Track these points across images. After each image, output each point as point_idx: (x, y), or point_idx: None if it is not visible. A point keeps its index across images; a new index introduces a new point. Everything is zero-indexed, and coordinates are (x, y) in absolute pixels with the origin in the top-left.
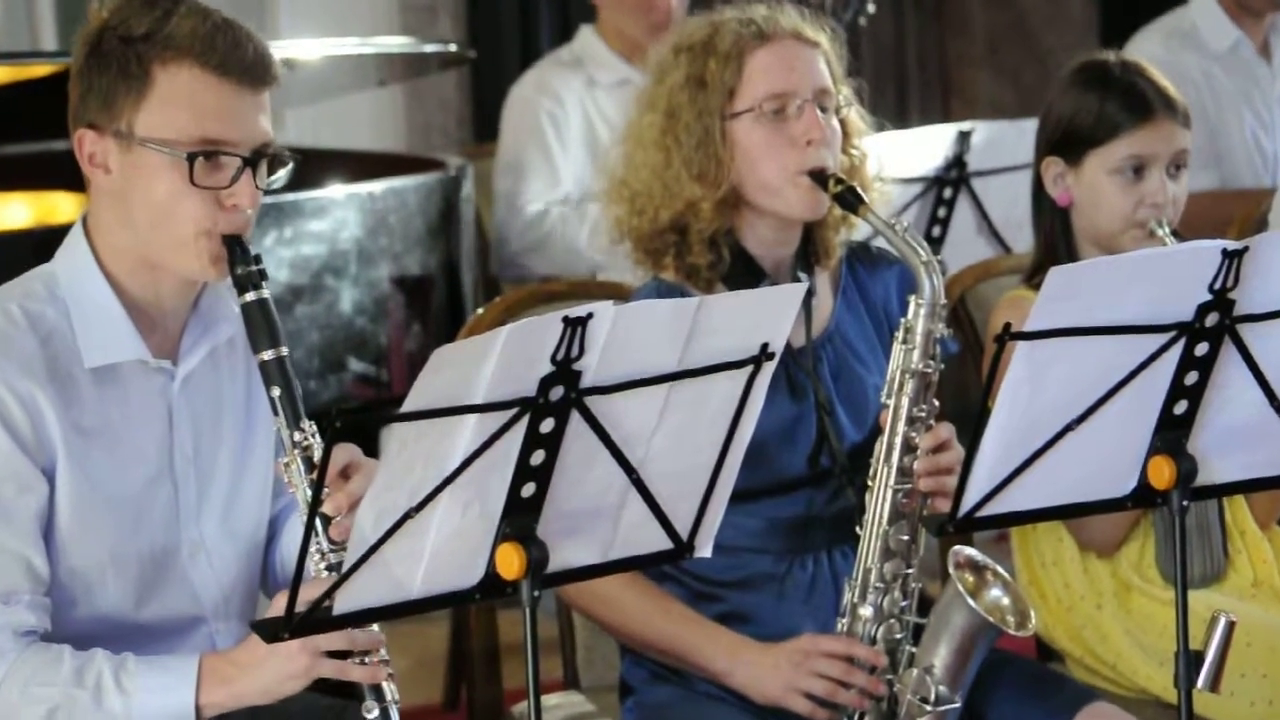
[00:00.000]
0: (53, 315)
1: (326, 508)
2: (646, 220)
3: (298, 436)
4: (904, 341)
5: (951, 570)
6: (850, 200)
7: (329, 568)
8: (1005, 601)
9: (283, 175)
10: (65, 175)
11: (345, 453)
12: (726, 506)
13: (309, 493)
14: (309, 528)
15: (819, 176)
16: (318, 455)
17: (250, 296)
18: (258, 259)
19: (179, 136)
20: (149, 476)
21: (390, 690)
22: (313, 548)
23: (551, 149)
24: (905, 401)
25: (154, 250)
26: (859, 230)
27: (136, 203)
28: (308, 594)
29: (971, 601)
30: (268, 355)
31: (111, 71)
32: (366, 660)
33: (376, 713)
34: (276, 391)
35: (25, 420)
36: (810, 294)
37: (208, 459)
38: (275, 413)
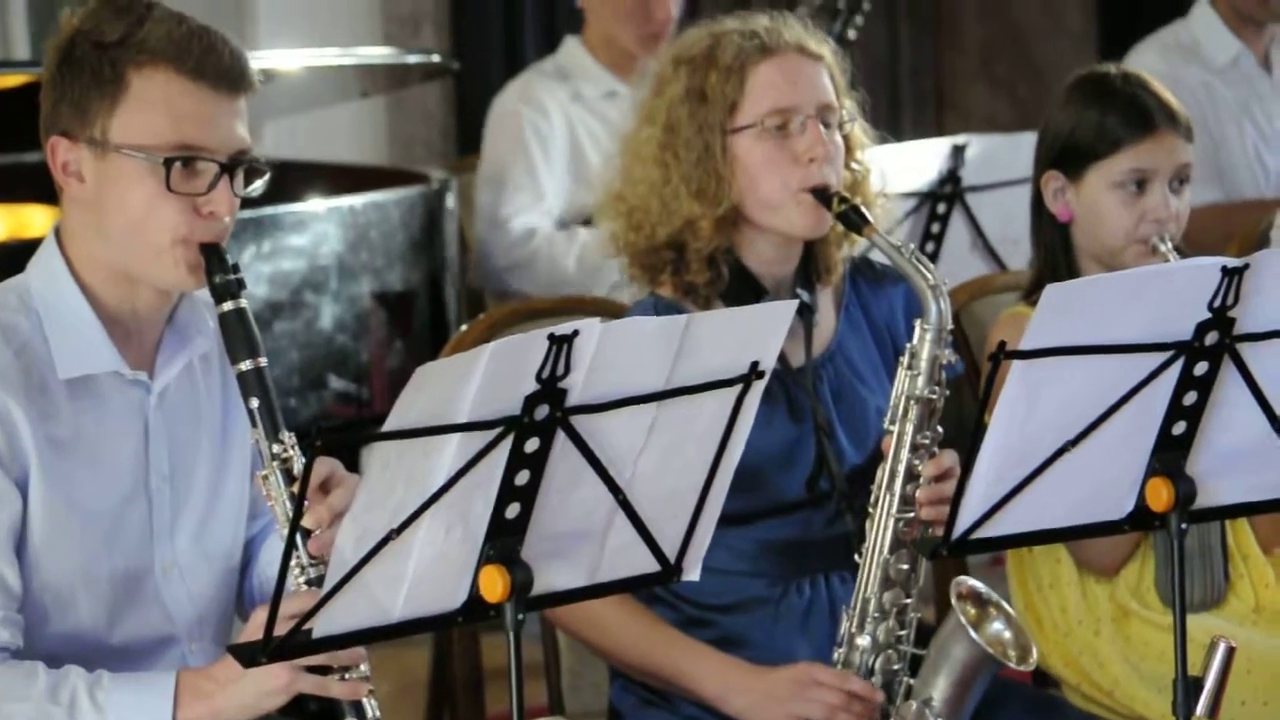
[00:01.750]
0: (26, 327)
1: (307, 521)
2: (643, 237)
3: (276, 449)
4: (909, 367)
5: (954, 601)
6: (854, 220)
7: (308, 582)
8: (1007, 635)
9: (259, 185)
10: (38, 188)
11: (325, 466)
12: (720, 529)
13: (288, 506)
14: (289, 542)
15: (822, 194)
16: (297, 468)
17: (228, 306)
18: (236, 268)
19: (155, 142)
20: (123, 493)
21: (371, 707)
22: (292, 561)
23: (535, 162)
24: (909, 428)
25: (129, 260)
26: (860, 243)
27: (111, 211)
28: (287, 612)
29: (974, 634)
30: (246, 366)
31: (85, 78)
32: (347, 676)
33: None
34: (255, 403)
35: None
36: (811, 312)
37: (183, 477)
38: (254, 424)
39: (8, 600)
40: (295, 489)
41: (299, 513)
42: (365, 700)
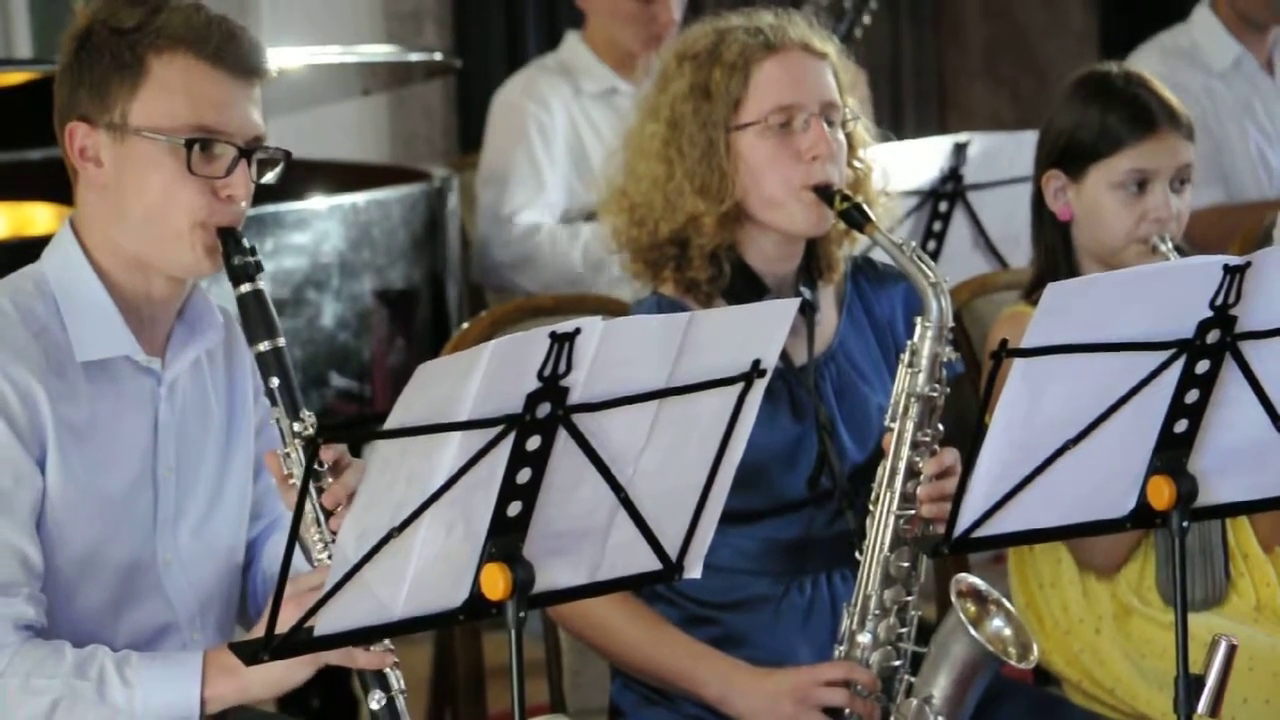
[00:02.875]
0: (43, 312)
1: (325, 500)
2: (646, 233)
3: (297, 427)
4: (910, 364)
5: (954, 599)
6: (857, 218)
7: (332, 557)
8: (1007, 632)
9: (272, 175)
10: (41, 186)
11: (333, 451)
12: (723, 527)
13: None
14: (296, 520)
15: (824, 192)
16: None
17: (246, 288)
18: (253, 250)
19: (174, 125)
20: (131, 481)
21: (396, 677)
22: (316, 537)
23: (538, 157)
24: (910, 426)
25: (147, 244)
26: (861, 241)
27: (130, 195)
28: (303, 587)
29: (974, 631)
30: (264, 346)
31: (104, 62)
32: (371, 647)
33: (384, 701)
34: (275, 382)
35: (21, 409)
36: (813, 310)
37: (189, 470)
38: (274, 403)
39: (32, 578)
40: (302, 475)
41: (303, 498)
42: (389, 671)
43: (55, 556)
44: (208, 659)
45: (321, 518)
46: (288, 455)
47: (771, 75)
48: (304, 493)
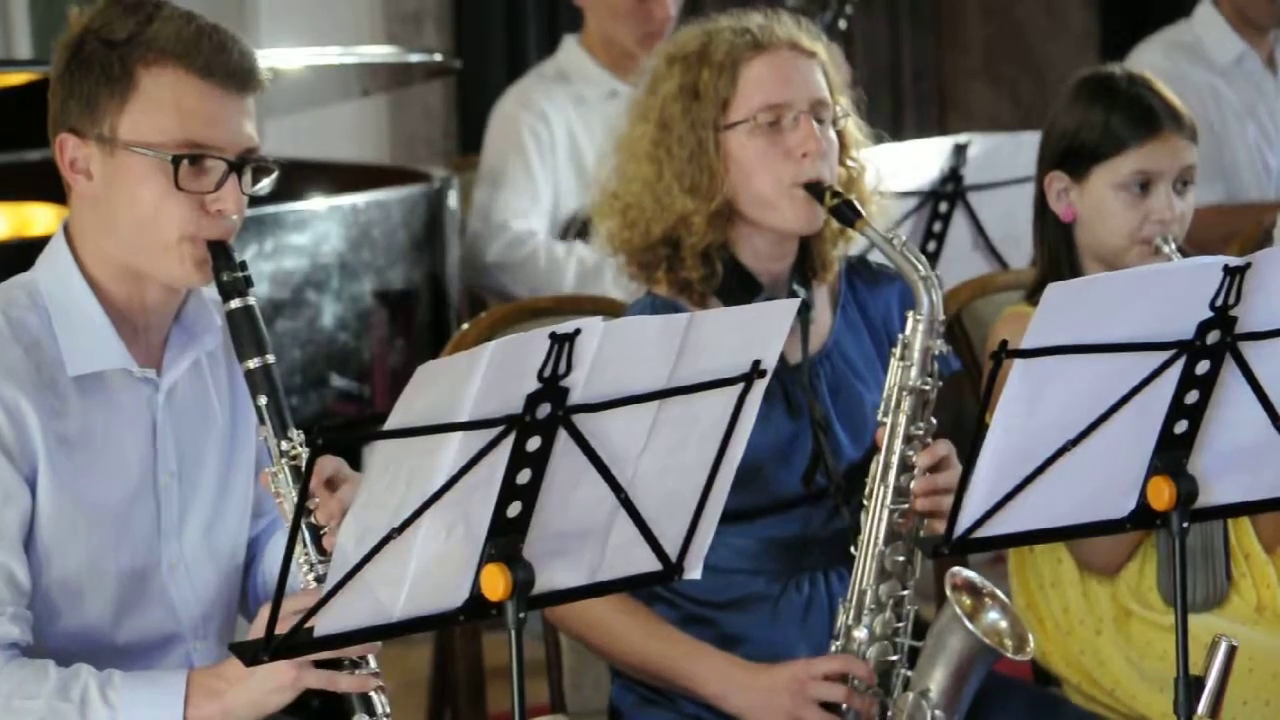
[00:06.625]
0: (35, 323)
1: (318, 517)
2: (638, 234)
3: (285, 446)
4: (902, 358)
5: (949, 592)
6: (847, 214)
7: (318, 579)
8: (1003, 625)
9: (267, 184)
10: (41, 186)
11: (331, 463)
12: (720, 526)
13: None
14: (292, 538)
15: (815, 189)
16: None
17: (236, 304)
18: (243, 265)
19: (163, 140)
20: (131, 490)
21: (381, 702)
22: (301, 559)
23: (533, 166)
24: (902, 419)
25: (137, 256)
26: (856, 243)
27: (119, 208)
28: (289, 610)
29: (969, 624)
30: (254, 364)
31: (94, 75)
32: (356, 671)
33: None
34: (263, 400)
35: (9, 427)
36: (808, 309)
37: (192, 474)
38: (262, 421)
39: (17, 597)
40: (296, 498)
41: (301, 509)
42: (374, 695)
43: (51, 571)
44: (191, 680)
45: (308, 538)
46: (275, 475)
47: (759, 74)
48: (298, 519)
